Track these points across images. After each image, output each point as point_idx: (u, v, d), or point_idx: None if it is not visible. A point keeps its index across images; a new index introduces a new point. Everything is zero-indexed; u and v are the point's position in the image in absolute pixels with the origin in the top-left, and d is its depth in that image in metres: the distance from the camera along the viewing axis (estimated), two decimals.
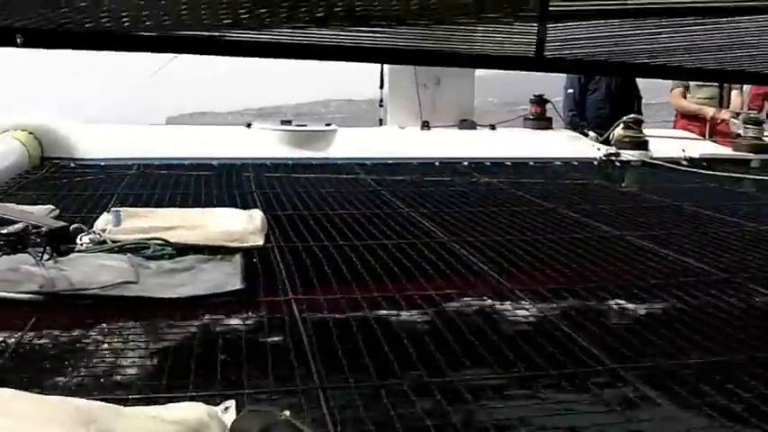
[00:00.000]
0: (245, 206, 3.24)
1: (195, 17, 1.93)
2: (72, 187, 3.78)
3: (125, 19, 1.94)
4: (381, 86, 6.12)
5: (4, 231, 1.76)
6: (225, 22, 1.92)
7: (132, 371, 1.60)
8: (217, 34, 1.86)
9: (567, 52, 2.13)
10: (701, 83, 7.11)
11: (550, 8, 2.19)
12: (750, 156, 5.70)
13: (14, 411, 1.13)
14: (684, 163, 5.50)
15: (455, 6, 2.09)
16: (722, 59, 2.27)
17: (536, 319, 2.04)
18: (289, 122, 5.32)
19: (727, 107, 6.92)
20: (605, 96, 6.93)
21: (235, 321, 1.94)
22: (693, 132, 6.57)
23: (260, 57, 1.94)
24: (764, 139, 5.89)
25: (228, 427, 1.25)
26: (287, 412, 1.12)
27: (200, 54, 1.94)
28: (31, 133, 4.57)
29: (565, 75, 7.26)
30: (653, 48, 2.22)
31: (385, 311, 2.04)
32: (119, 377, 1.57)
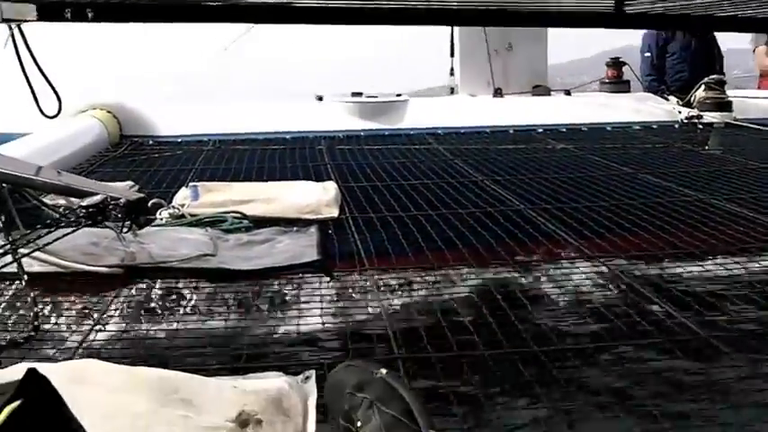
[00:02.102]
0: (318, 178, 3.24)
1: None
2: (150, 164, 3.85)
3: None
4: (452, 55, 6.02)
5: (84, 203, 1.80)
6: None
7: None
8: (286, 1, 1.84)
9: (648, 7, 2.04)
10: None
11: None
12: None
13: (100, 381, 1.15)
14: None
15: None
16: None
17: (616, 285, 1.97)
18: (359, 94, 5.29)
19: None
20: (684, 58, 6.65)
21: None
22: None
23: (330, 23, 1.92)
24: None
25: (308, 396, 1.24)
26: (383, 370, 1.10)
27: (268, 23, 1.93)
28: (109, 112, 4.69)
29: (642, 38, 7.03)
30: None
31: (461, 279, 2.00)
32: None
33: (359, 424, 1.04)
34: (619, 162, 3.79)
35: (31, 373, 0.81)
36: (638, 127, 5.20)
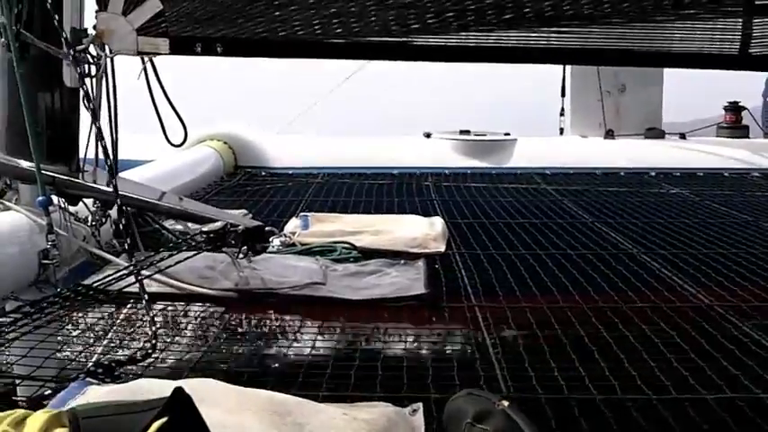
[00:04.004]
0: (425, 214, 3.25)
1: (383, 24, 1.96)
2: (263, 194, 3.97)
3: (317, 27, 2.00)
4: (563, 95, 5.97)
5: (206, 229, 1.87)
6: (413, 27, 1.94)
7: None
8: (405, 39, 1.87)
9: None
10: None
11: (757, 2, 2.03)
12: None
13: (217, 400, 1.18)
14: None
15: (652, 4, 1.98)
16: None
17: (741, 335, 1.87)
18: (467, 132, 5.31)
19: None
20: None
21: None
22: None
23: (448, 61, 1.94)
24: None
25: (417, 429, 1.24)
26: (506, 402, 1.08)
27: (387, 59, 1.97)
28: (225, 143, 4.87)
29: (764, 82, 6.78)
30: None
31: (574, 323, 1.95)
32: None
33: None
34: (737, 209, 3.64)
35: (178, 391, 0.84)
36: (757, 174, 4.98)
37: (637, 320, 1.97)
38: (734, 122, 6.06)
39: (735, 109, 6.08)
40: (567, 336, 1.84)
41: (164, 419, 0.80)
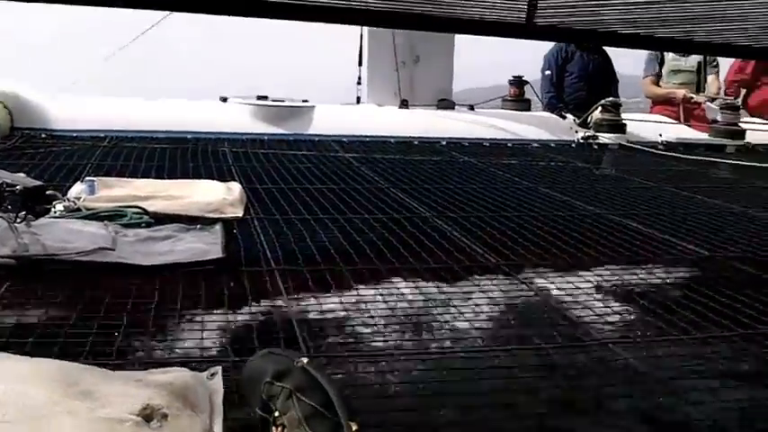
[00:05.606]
0: (222, 179, 3.16)
1: None
2: (43, 157, 3.67)
3: None
4: (360, 64, 6.04)
5: None
6: None
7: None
8: None
9: (559, 20, 2.10)
10: (675, 69, 7.15)
11: None
12: (726, 141, 5.74)
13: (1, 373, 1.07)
14: (661, 147, 5.52)
15: None
16: (711, 31, 2.25)
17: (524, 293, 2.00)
18: (265, 98, 5.23)
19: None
20: (582, 79, 6.94)
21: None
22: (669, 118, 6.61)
23: (245, 16, 1.88)
24: (740, 125, 5.93)
25: (215, 392, 1.20)
26: (305, 359, 1.06)
27: (184, 11, 1.87)
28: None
29: (542, 58, 7.27)
30: (642, 18, 2.19)
31: (372, 285, 1.99)
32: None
33: (276, 414, 1.01)
34: (519, 176, 3.89)
35: None
36: (536, 144, 5.37)
37: (431, 280, 2.04)
38: (517, 96, 6.47)
39: (518, 83, 6.49)
40: (365, 297, 1.87)
41: None
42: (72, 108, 4.80)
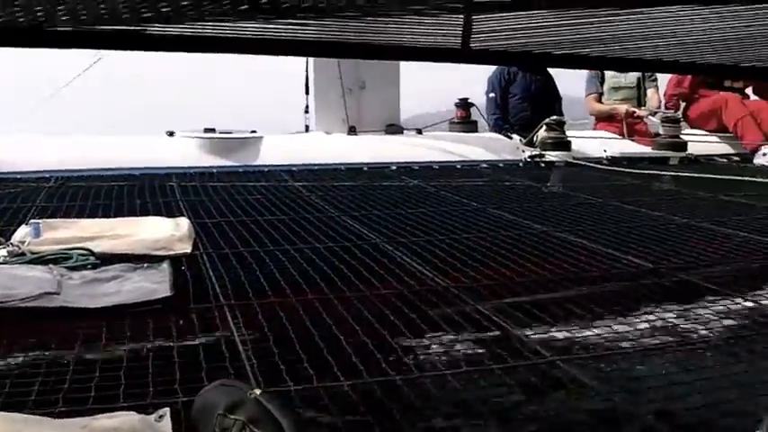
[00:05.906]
0: (170, 215, 3.14)
1: (114, 12, 1.85)
2: None
3: (39, 13, 1.84)
4: (307, 92, 6.07)
5: None
6: (144, 15, 1.85)
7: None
8: (138, 28, 1.78)
9: (494, 43, 2.13)
10: (616, 86, 7.31)
11: None
12: (669, 153, 5.89)
13: None
14: (606, 162, 5.64)
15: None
16: (641, 48, 2.31)
17: (473, 315, 2.02)
18: (212, 130, 5.21)
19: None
20: (526, 99, 7.07)
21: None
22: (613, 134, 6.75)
23: (184, 51, 1.88)
24: (682, 137, 6.10)
25: None
26: (257, 390, 1.06)
27: (121, 49, 1.86)
28: None
29: (486, 81, 7.38)
30: (576, 38, 2.25)
31: (322, 315, 1.98)
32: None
33: None
34: (469, 198, 3.94)
35: None
36: (485, 165, 5.45)
37: (381, 306, 2.05)
38: (464, 118, 6.56)
39: (465, 105, 6.59)
40: (315, 327, 1.87)
41: None
42: (14, 149, 4.72)
